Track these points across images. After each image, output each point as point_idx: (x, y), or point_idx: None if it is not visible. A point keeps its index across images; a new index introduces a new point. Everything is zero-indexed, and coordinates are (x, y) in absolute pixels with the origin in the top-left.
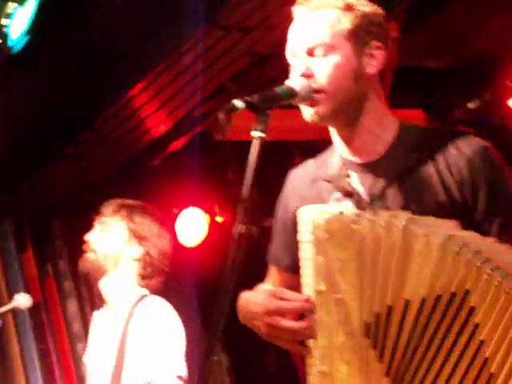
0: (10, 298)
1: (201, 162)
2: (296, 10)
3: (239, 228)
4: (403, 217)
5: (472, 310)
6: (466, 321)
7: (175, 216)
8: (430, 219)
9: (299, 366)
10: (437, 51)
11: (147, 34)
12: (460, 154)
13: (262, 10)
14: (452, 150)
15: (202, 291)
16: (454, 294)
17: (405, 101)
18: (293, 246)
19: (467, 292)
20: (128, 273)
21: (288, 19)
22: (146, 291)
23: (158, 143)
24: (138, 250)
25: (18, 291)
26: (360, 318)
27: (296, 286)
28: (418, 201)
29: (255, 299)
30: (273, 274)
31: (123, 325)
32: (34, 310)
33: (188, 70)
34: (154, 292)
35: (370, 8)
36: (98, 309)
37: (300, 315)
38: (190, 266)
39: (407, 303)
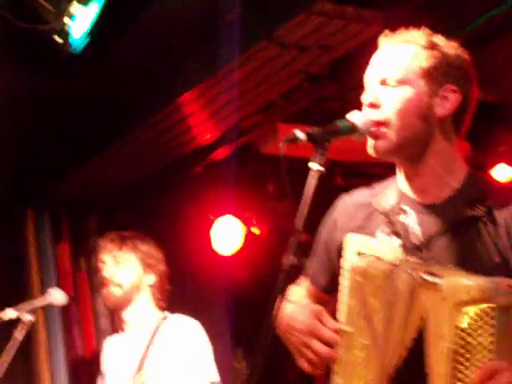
0: (42, 289)
1: (242, 172)
2: (381, 42)
3: (290, 260)
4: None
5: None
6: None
7: (211, 223)
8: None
9: None
10: (485, 84)
11: (204, 44)
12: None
13: (320, 31)
14: (506, 217)
15: (232, 300)
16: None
17: None
18: (331, 270)
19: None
20: (147, 298)
21: (345, 43)
22: (166, 313)
23: (202, 151)
24: (151, 277)
25: (50, 284)
26: (382, 368)
27: (324, 304)
28: (470, 257)
29: (298, 315)
30: (306, 287)
31: (146, 345)
32: (64, 304)
33: (241, 82)
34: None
35: (453, 50)
36: (110, 335)
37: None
38: (222, 273)
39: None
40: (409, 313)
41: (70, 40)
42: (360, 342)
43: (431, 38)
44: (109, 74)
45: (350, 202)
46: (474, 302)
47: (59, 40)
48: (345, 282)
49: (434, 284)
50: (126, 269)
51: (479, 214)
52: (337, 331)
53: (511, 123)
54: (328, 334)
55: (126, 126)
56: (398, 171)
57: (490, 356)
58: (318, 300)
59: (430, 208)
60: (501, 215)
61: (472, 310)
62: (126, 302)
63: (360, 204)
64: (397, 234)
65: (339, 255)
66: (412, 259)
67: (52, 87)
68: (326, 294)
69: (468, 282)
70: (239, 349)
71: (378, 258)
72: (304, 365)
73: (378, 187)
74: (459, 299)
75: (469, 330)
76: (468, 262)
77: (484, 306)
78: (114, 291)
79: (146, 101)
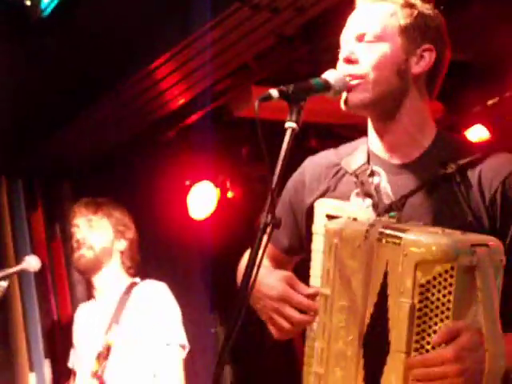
0: (17, 257)
1: (216, 137)
2: (357, 1)
3: (266, 218)
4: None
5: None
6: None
7: (187, 188)
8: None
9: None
10: (459, 46)
11: (176, 5)
12: (494, 175)
13: None
14: (487, 170)
15: (208, 264)
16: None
17: None
18: (295, 231)
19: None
20: (117, 265)
21: (318, 4)
22: (137, 279)
23: (175, 115)
24: (122, 243)
25: (25, 252)
26: (360, 328)
27: (285, 265)
28: (442, 216)
29: (267, 281)
30: (270, 251)
31: (114, 310)
32: (39, 271)
33: (213, 45)
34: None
35: (430, 11)
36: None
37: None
38: (197, 238)
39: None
40: (376, 269)
41: (40, 3)
42: (339, 304)
43: None
44: (78, 39)
45: (317, 164)
46: (435, 261)
47: (28, 2)
48: (316, 245)
49: (395, 238)
50: (98, 233)
51: (451, 173)
52: (308, 296)
53: (485, 84)
54: (300, 298)
55: (98, 92)
56: (368, 130)
57: (447, 314)
58: (278, 261)
59: (401, 167)
60: (472, 174)
61: (433, 268)
62: (96, 265)
63: (328, 165)
64: (368, 195)
65: (307, 218)
66: (384, 219)
67: (23, 53)
68: (287, 255)
69: (430, 240)
70: (216, 313)
71: (354, 219)
72: (276, 332)
73: (346, 148)
74: (421, 257)
75: (428, 286)
76: (440, 221)
77: (445, 264)
78: (86, 254)
79: (117, 66)
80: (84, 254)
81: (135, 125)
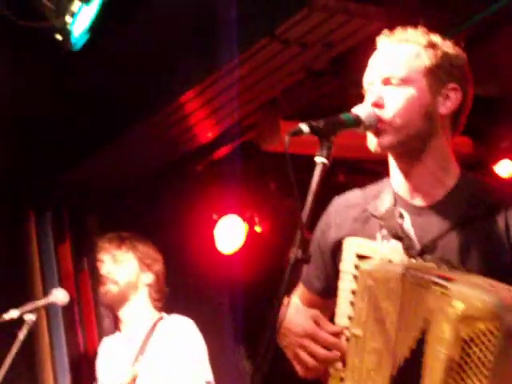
0: (45, 289)
1: (244, 170)
2: (380, 41)
3: (296, 253)
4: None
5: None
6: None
7: (214, 222)
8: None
9: None
10: (489, 79)
11: (205, 42)
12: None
13: (322, 28)
14: (503, 218)
15: (235, 298)
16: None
17: None
18: (326, 273)
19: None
20: (144, 298)
21: (347, 39)
22: (163, 313)
23: (204, 149)
24: (148, 276)
25: (53, 284)
26: (392, 371)
27: (321, 309)
28: (472, 258)
29: (295, 318)
30: (302, 292)
31: (140, 345)
32: (67, 303)
33: (242, 80)
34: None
35: (452, 50)
36: (107, 335)
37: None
38: (225, 272)
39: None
40: (415, 314)
41: (71, 38)
42: (371, 345)
43: (430, 37)
44: (109, 72)
45: (343, 204)
46: (479, 318)
47: (59, 37)
48: (344, 285)
49: (441, 287)
50: (123, 267)
51: (478, 214)
52: (334, 334)
53: None
54: (325, 335)
55: (127, 125)
56: (392, 170)
57: (485, 373)
58: (312, 305)
59: (425, 209)
60: (499, 214)
61: (476, 324)
62: (121, 299)
63: (354, 206)
64: (397, 237)
65: (333, 257)
66: (420, 261)
67: (52, 85)
68: (321, 297)
69: (477, 295)
70: (242, 347)
71: (389, 261)
72: (301, 369)
73: (371, 188)
74: (465, 312)
75: (469, 342)
76: (471, 262)
77: (489, 323)
78: (111, 288)
79: (146, 99)
80: (109, 289)
81: (163, 157)
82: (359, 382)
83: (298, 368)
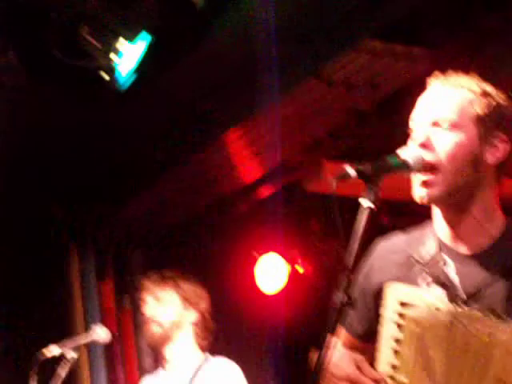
0: (87, 326)
1: (288, 211)
2: (431, 82)
3: (340, 297)
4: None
5: None
6: None
7: (255, 260)
8: None
9: None
10: None
11: (251, 81)
12: None
13: (367, 69)
14: None
15: (277, 340)
16: None
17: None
18: (368, 317)
19: None
20: (189, 337)
21: (393, 81)
22: (207, 354)
23: (248, 189)
24: (193, 315)
25: (94, 321)
26: None
27: (361, 353)
28: None
29: (339, 362)
30: (343, 336)
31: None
32: (108, 341)
33: (287, 120)
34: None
35: (504, 101)
36: (150, 372)
37: None
38: (266, 313)
39: None
40: (484, 371)
41: (117, 77)
42: None
43: (483, 85)
44: (154, 113)
45: (386, 248)
46: None
47: (106, 77)
48: (387, 332)
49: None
50: (166, 307)
51: None
52: (376, 380)
53: None
54: (367, 381)
55: (172, 165)
56: (435, 216)
57: None
58: (352, 348)
59: (470, 258)
60: None
61: None
62: (165, 339)
63: (397, 251)
64: (441, 285)
65: (376, 302)
66: (467, 310)
67: (101, 124)
68: (363, 341)
69: None
70: None
71: (436, 309)
72: None
73: (415, 233)
74: None
75: None
76: None
77: None
78: (154, 329)
79: (192, 138)
80: (153, 331)
81: (208, 197)
82: None
83: None
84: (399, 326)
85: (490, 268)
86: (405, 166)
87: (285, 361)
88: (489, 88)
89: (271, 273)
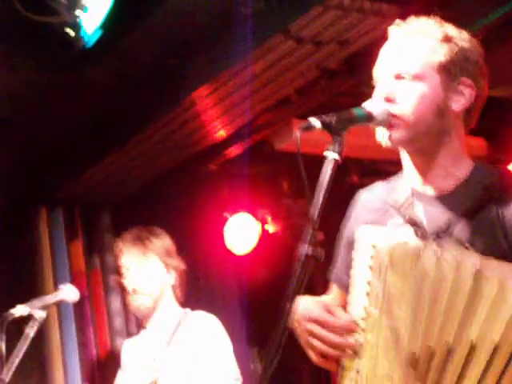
0: (56, 286)
1: (257, 170)
2: (392, 32)
3: (306, 250)
4: (475, 259)
5: None
6: None
7: (225, 220)
8: (502, 264)
9: None
10: (503, 80)
11: (219, 37)
12: None
13: (336, 26)
14: None
15: (247, 299)
16: None
17: None
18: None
19: None
20: (170, 297)
21: (361, 37)
22: (187, 309)
23: (216, 148)
24: (172, 276)
25: (64, 280)
26: (410, 349)
27: None
28: (480, 243)
29: (309, 307)
30: (334, 291)
31: (166, 342)
32: (78, 301)
33: (256, 78)
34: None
35: (468, 43)
36: (124, 334)
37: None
38: (236, 272)
39: (473, 346)
40: (470, 303)
41: (82, 33)
42: (388, 324)
43: (445, 29)
44: (121, 70)
45: (366, 197)
46: None
47: (71, 33)
48: (358, 274)
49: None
50: (153, 277)
51: (489, 202)
52: (346, 322)
53: None
54: (335, 321)
55: (140, 124)
56: (405, 163)
57: None
58: (342, 302)
59: (437, 199)
60: (510, 201)
61: None
62: (155, 308)
63: (377, 198)
64: (412, 223)
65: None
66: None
67: (66, 82)
68: None
69: None
70: (255, 349)
71: (405, 242)
72: (313, 356)
73: (392, 181)
74: None
75: None
76: (478, 246)
77: None
78: (146, 302)
79: (159, 98)
80: (143, 303)
81: (176, 156)
82: (375, 360)
83: (310, 354)
84: (371, 268)
85: (454, 208)
86: (369, 118)
87: (254, 320)
88: (451, 31)
89: (241, 233)
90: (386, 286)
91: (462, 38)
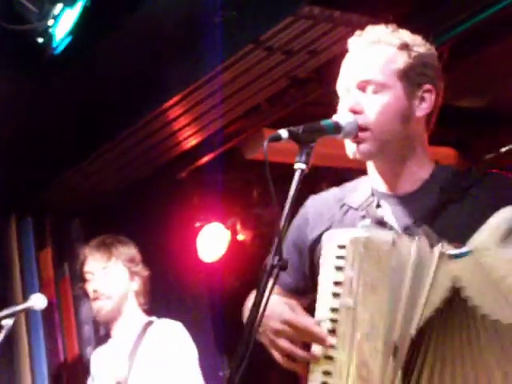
0: (25, 294)
1: (227, 178)
2: (352, 43)
3: (273, 260)
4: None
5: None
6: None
7: (198, 230)
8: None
9: None
10: (474, 91)
11: (189, 46)
12: (490, 195)
13: (306, 35)
14: (483, 192)
15: (217, 307)
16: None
17: (437, 138)
18: (301, 271)
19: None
20: (134, 304)
21: (331, 47)
22: (153, 317)
23: (187, 156)
24: (136, 283)
25: (33, 289)
26: (388, 337)
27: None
28: (446, 239)
29: (274, 306)
30: (276, 291)
31: (131, 351)
32: (46, 309)
33: (226, 86)
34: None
35: (425, 49)
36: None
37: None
38: (206, 280)
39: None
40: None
41: (53, 41)
42: (363, 314)
43: (402, 36)
44: (90, 79)
45: (320, 202)
46: None
47: (40, 40)
48: (326, 277)
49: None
50: (114, 281)
51: (450, 197)
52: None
53: (499, 130)
54: (301, 321)
55: (109, 132)
56: (369, 168)
57: None
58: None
59: (402, 198)
60: (471, 196)
61: None
62: (116, 313)
63: (332, 201)
64: (380, 223)
65: (311, 255)
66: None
67: (33, 91)
68: (294, 295)
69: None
70: (224, 356)
71: (379, 232)
72: (278, 356)
73: (349, 185)
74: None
75: None
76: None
77: None
78: (106, 305)
79: (128, 106)
80: (104, 306)
81: (146, 164)
82: (350, 350)
83: (275, 355)
84: (338, 268)
85: (418, 207)
86: (337, 129)
87: (224, 327)
88: (407, 38)
89: (212, 241)
90: (360, 275)
91: (418, 43)
